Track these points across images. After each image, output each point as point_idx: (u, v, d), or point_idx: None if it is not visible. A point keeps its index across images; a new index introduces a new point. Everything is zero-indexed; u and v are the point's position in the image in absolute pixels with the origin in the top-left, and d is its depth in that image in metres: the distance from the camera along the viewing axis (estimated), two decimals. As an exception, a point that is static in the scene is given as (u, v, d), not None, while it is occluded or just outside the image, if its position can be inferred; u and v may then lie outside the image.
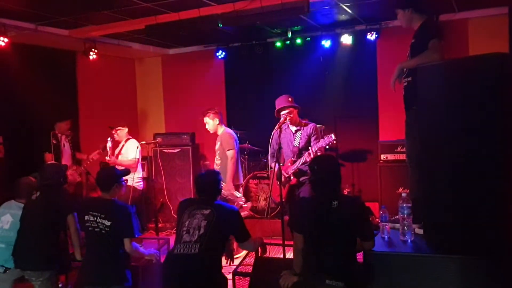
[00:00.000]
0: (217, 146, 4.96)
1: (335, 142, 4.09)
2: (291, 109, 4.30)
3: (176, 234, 3.00)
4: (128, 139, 5.65)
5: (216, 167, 4.92)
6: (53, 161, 4.10)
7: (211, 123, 4.91)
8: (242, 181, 5.13)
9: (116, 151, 5.63)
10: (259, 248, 3.36)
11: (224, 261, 3.82)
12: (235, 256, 3.65)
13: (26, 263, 3.23)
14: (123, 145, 5.62)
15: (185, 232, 2.87)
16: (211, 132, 5.00)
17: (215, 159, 5.02)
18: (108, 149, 5.43)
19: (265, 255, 3.37)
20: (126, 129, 5.67)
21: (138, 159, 5.52)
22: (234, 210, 3.06)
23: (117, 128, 5.60)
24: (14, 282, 3.42)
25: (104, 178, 3.19)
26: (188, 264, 2.78)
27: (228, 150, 4.76)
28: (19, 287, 3.53)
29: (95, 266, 3.04)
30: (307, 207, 2.76)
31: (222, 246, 2.97)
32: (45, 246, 3.22)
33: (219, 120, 4.92)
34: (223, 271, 3.00)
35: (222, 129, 4.95)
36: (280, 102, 4.34)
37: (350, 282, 2.53)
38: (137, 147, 5.49)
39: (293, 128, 4.41)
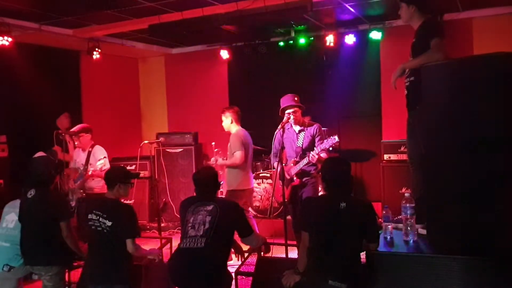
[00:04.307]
0: (229, 145, 4.92)
1: (338, 144, 4.08)
2: (296, 108, 4.29)
3: (181, 231, 3.02)
4: (93, 145, 4.95)
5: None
6: (41, 153, 3.92)
7: (225, 121, 4.90)
8: (251, 186, 4.99)
9: (83, 160, 4.89)
10: (263, 246, 3.36)
11: (234, 258, 3.84)
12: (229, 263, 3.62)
13: (35, 259, 3.25)
14: (89, 152, 4.88)
15: (190, 227, 2.90)
16: (225, 130, 4.96)
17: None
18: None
19: (268, 254, 3.37)
20: (89, 136, 4.95)
21: (107, 167, 4.86)
22: (236, 205, 3.09)
23: (80, 134, 4.87)
24: (18, 280, 3.43)
25: (109, 176, 3.19)
26: (195, 258, 2.81)
27: (235, 151, 4.73)
28: (24, 286, 3.55)
29: (97, 265, 3.05)
30: (315, 207, 2.77)
31: (227, 241, 2.99)
32: (50, 242, 3.23)
33: (232, 119, 4.85)
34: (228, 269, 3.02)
35: (234, 129, 4.88)
36: (285, 101, 4.32)
37: (353, 283, 2.53)
38: (105, 154, 4.87)
39: (297, 128, 4.39)
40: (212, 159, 4.99)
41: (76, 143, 5.03)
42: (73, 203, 5.03)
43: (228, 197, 4.79)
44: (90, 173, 4.79)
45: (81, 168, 4.93)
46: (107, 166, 4.84)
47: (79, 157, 5.09)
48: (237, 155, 4.69)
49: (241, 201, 4.81)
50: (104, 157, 4.85)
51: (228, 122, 4.87)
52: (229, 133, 4.95)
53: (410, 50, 3.16)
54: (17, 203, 3.51)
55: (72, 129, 5.02)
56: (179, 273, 2.88)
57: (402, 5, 3.19)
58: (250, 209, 5.86)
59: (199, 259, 2.80)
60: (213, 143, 5.28)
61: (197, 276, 2.79)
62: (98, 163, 4.77)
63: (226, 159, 4.87)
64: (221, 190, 6.06)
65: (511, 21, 5.69)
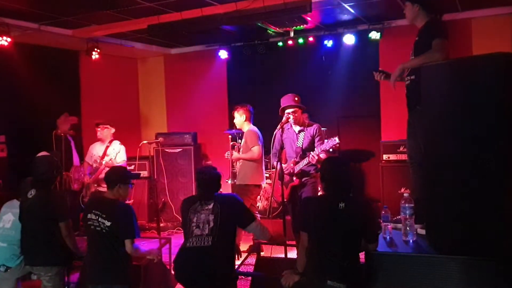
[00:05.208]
0: (242, 142, 5.02)
1: (338, 145, 4.08)
2: (296, 108, 4.29)
3: (184, 230, 3.02)
4: (112, 140, 5.37)
5: (238, 164, 5.03)
6: (44, 153, 3.99)
7: (238, 118, 4.97)
8: (263, 182, 5.08)
9: (100, 153, 5.31)
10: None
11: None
12: None
13: (35, 259, 3.24)
14: (107, 146, 5.31)
15: (195, 227, 2.92)
16: (238, 127, 5.07)
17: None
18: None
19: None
20: (113, 130, 5.37)
21: (125, 160, 5.39)
22: (234, 196, 3.12)
23: (104, 126, 5.31)
24: (16, 281, 3.43)
25: (110, 176, 3.18)
26: (202, 256, 2.83)
27: (253, 147, 4.82)
28: (22, 286, 3.54)
29: (96, 265, 3.05)
30: (314, 207, 2.77)
31: (233, 237, 3.00)
32: (50, 242, 3.23)
33: (246, 117, 4.94)
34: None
35: (248, 127, 4.96)
36: (285, 100, 4.33)
37: (352, 283, 2.53)
38: (124, 150, 5.33)
39: (297, 129, 4.39)
40: (227, 153, 5.07)
41: (99, 134, 5.34)
42: (86, 199, 5.15)
43: (239, 191, 4.82)
44: (104, 164, 5.06)
45: (97, 161, 5.19)
46: (123, 158, 5.19)
47: (96, 150, 5.35)
48: (255, 150, 4.79)
49: (252, 196, 4.88)
50: (121, 151, 5.21)
51: (242, 120, 4.96)
52: (225, 132, 5.01)
53: (413, 48, 3.17)
54: (14, 203, 3.50)
55: (98, 120, 5.40)
56: (186, 272, 2.90)
57: (407, 4, 3.20)
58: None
59: (206, 258, 2.82)
60: (230, 136, 5.31)
61: (204, 274, 2.81)
62: (114, 152, 5.13)
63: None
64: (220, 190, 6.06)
65: (510, 21, 5.70)
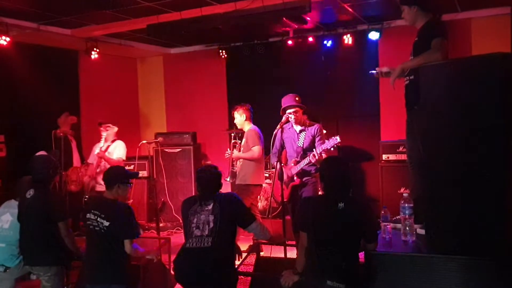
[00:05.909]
0: (243, 142, 5.02)
1: (339, 144, 4.09)
2: (297, 108, 4.30)
3: (184, 231, 3.02)
4: (115, 140, 5.40)
5: (238, 163, 5.02)
6: (43, 152, 4.00)
7: (238, 118, 4.97)
8: (264, 182, 5.10)
9: (100, 150, 5.32)
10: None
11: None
12: None
13: (34, 259, 3.25)
14: (108, 146, 5.34)
15: (195, 227, 2.92)
16: (238, 127, 5.07)
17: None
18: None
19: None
20: (115, 129, 5.43)
21: (123, 159, 5.38)
22: (234, 196, 3.11)
23: (107, 125, 5.35)
24: (15, 281, 3.43)
25: (108, 176, 3.18)
26: (202, 257, 2.83)
27: (253, 146, 4.81)
28: (21, 286, 3.54)
29: (94, 265, 3.05)
30: (313, 207, 2.77)
31: (232, 237, 3.00)
32: (49, 242, 3.23)
33: (246, 117, 4.94)
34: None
35: (248, 126, 4.96)
36: (286, 101, 4.33)
37: (351, 283, 2.53)
38: (125, 148, 5.35)
39: (298, 128, 4.40)
40: (228, 151, 5.06)
41: (103, 134, 5.36)
42: (86, 198, 5.17)
43: (240, 191, 4.82)
44: (96, 154, 5.15)
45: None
46: (120, 155, 5.24)
47: (98, 149, 5.33)
48: (256, 149, 4.78)
49: (252, 196, 4.87)
50: (120, 148, 5.28)
51: (242, 119, 4.96)
52: (223, 132, 5.00)
53: (412, 49, 3.16)
54: (12, 203, 3.50)
55: (101, 120, 5.43)
56: (186, 272, 2.89)
57: (404, 8, 3.18)
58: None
59: (206, 258, 2.82)
60: (232, 134, 5.31)
61: (204, 275, 2.81)
62: (112, 148, 5.16)
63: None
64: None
65: (509, 21, 5.70)
